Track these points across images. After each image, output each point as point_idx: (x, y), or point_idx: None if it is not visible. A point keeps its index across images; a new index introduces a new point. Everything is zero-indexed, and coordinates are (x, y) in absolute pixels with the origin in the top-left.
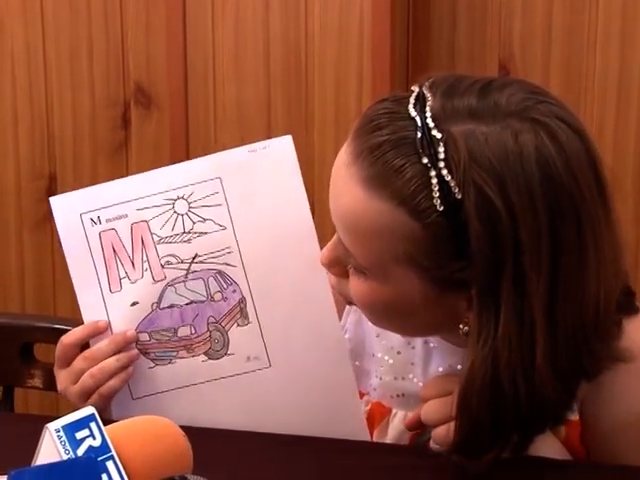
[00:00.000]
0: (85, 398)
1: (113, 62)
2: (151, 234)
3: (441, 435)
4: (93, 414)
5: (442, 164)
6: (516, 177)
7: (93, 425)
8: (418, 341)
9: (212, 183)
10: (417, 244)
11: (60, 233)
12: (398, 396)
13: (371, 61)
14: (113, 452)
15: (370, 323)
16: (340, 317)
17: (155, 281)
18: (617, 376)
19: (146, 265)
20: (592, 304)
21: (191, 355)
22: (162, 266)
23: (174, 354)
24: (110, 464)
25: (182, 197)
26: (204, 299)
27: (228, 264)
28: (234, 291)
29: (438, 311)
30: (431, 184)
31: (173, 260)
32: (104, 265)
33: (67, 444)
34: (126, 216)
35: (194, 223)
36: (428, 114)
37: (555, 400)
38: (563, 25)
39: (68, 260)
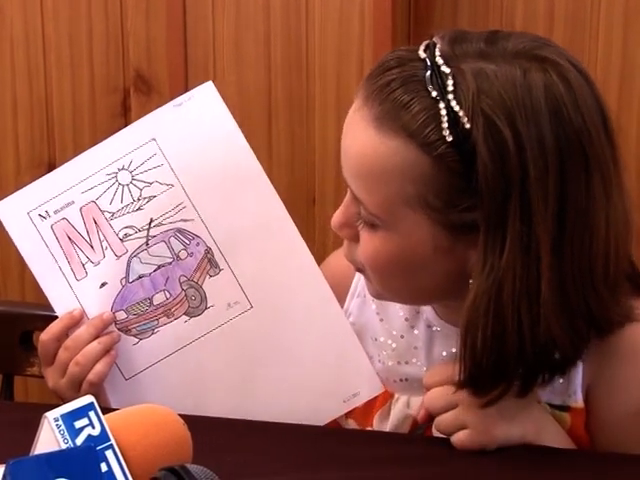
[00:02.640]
0: (75, 389)
1: (113, 49)
2: (102, 212)
3: (444, 422)
4: (92, 403)
5: (451, 96)
6: (524, 109)
7: (92, 414)
8: (421, 325)
9: (148, 146)
10: (427, 181)
11: (13, 237)
12: (401, 380)
13: (372, 49)
14: (112, 441)
15: (374, 306)
16: (344, 301)
17: (118, 257)
18: (623, 365)
19: (105, 244)
20: (601, 248)
21: (172, 319)
22: (121, 240)
23: (155, 323)
24: (109, 453)
25: (123, 168)
26: (170, 260)
27: (185, 220)
28: (198, 244)
29: (448, 264)
30: (440, 116)
31: (130, 231)
32: (64, 256)
33: (66, 433)
34: (73, 202)
35: (141, 189)
36: (437, 54)
37: (562, 340)
38: (566, 11)
39: (27, 261)
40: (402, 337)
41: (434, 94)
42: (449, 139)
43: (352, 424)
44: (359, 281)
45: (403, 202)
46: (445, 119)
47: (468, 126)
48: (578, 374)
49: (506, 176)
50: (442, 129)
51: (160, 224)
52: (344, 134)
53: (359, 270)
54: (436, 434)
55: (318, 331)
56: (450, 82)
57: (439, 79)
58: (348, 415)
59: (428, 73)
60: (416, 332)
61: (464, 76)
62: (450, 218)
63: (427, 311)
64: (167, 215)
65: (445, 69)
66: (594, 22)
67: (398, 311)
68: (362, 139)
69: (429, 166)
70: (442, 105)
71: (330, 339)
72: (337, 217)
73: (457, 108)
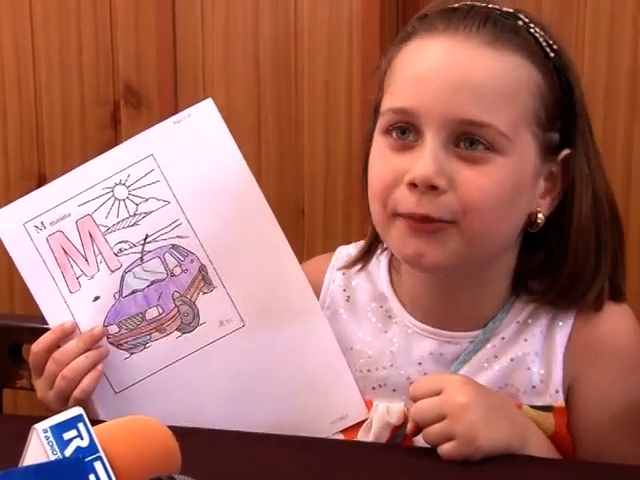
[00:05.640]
0: (63, 402)
1: (103, 62)
2: (97, 226)
3: (432, 434)
4: (81, 414)
5: (532, 24)
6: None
7: (81, 425)
8: (394, 329)
9: (146, 162)
10: (542, 95)
11: (8, 247)
12: (380, 386)
13: (361, 62)
14: (101, 452)
15: (345, 316)
16: None
17: (112, 271)
18: (602, 367)
19: (100, 258)
20: (603, 195)
21: (164, 335)
22: (116, 255)
23: (147, 338)
24: (98, 464)
25: (120, 182)
26: (164, 276)
27: (180, 236)
28: (192, 261)
29: (528, 196)
30: (535, 36)
31: (125, 246)
32: (58, 268)
33: (55, 445)
34: (69, 215)
35: (137, 205)
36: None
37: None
38: (551, 26)
39: (22, 272)
40: (376, 343)
41: (520, 23)
42: (551, 55)
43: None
44: (327, 293)
45: (524, 118)
46: (541, 39)
47: (556, 47)
48: (558, 373)
49: (581, 92)
50: (543, 47)
51: (155, 240)
52: (447, 73)
53: (440, 226)
54: (419, 443)
55: (308, 352)
56: (522, 15)
57: (513, 15)
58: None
59: (503, 9)
60: (390, 336)
61: (524, 14)
62: (546, 137)
63: (401, 314)
64: (163, 231)
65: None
66: (580, 35)
67: (370, 317)
68: (484, 61)
69: (542, 80)
70: (533, 30)
71: (320, 361)
72: (428, 167)
73: (542, 32)
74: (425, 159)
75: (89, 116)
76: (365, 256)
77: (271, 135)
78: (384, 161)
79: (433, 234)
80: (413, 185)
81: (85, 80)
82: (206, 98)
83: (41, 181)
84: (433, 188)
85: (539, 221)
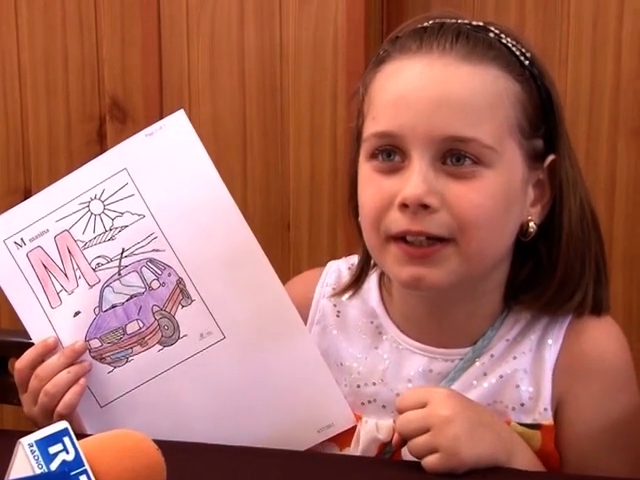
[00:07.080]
0: (48, 417)
1: (88, 77)
2: (75, 241)
3: (416, 446)
4: (66, 428)
5: (502, 35)
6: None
7: (66, 439)
8: (385, 346)
9: (119, 176)
10: (522, 105)
11: None
12: (370, 402)
13: (345, 77)
14: (86, 466)
15: (335, 332)
16: None
17: (91, 286)
18: (591, 384)
19: (78, 273)
20: (585, 200)
21: (146, 348)
22: (94, 269)
23: (129, 352)
24: (84, 478)
25: (95, 197)
26: (143, 290)
27: (156, 250)
28: (170, 274)
29: (519, 206)
30: (508, 47)
31: (103, 261)
32: (39, 284)
33: (40, 459)
34: (47, 231)
35: (113, 219)
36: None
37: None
38: (535, 42)
39: (4, 288)
40: (366, 359)
41: (491, 35)
42: (526, 62)
43: (335, 448)
44: (317, 308)
45: (508, 129)
46: (514, 48)
47: (529, 54)
48: (547, 391)
49: (558, 97)
50: (517, 56)
51: (132, 254)
52: (426, 89)
53: (435, 249)
54: (405, 457)
55: (290, 362)
56: (493, 27)
57: (483, 28)
58: (330, 439)
59: (473, 23)
60: (380, 352)
61: (494, 26)
62: (530, 145)
63: (391, 331)
64: (139, 245)
65: (477, 22)
66: (563, 51)
67: (360, 333)
68: (461, 76)
69: (521, 89)
70: (505, 41)
71: (302, 371)
72: (418, 187)
73: (514, 42)
74: (414, 179)
75: (75, 131)
76: (356, 283)
77: (257, 150)
78: (373, 185)
79: (429, 257)
80: (404, 206)
81: (71, 95)
82: (192, 113)
83: (27, 197)
84: (425, 207)
85: (531, 230)
